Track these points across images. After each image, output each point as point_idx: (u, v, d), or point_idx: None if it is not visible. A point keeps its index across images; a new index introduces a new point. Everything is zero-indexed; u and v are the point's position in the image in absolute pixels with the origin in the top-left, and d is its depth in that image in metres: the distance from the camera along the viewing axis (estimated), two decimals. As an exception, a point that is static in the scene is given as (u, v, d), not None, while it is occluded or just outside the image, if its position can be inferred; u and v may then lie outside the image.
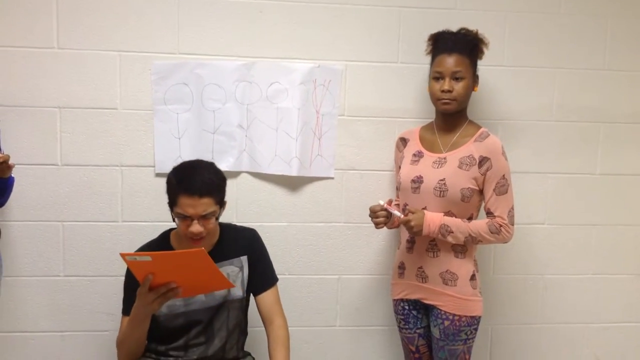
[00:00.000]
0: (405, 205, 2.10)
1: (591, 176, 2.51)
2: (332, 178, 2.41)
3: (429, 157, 2.09)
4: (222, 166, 2.06)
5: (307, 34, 2.33)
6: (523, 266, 2.53)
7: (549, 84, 2.45)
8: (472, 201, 2.03)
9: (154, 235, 2.07)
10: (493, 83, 2.40)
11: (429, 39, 2.13)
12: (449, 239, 2.00)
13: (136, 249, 2.00)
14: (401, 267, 2.16)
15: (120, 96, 2.27)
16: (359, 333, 2.50)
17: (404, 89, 2.39)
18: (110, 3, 2.23)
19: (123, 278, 2.00)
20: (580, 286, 2.57)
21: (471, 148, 2.03)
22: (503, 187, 2.01)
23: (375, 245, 2.46)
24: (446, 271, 2.04)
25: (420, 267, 2.09)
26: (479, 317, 2.07)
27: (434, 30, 2.12)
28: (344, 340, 2.50)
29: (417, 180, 2.06)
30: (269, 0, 2.30)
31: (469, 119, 2.13)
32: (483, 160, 2.01)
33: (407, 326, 2.18)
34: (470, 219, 2.05)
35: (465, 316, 2.03)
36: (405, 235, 2.15)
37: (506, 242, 2.06)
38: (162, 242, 2.01)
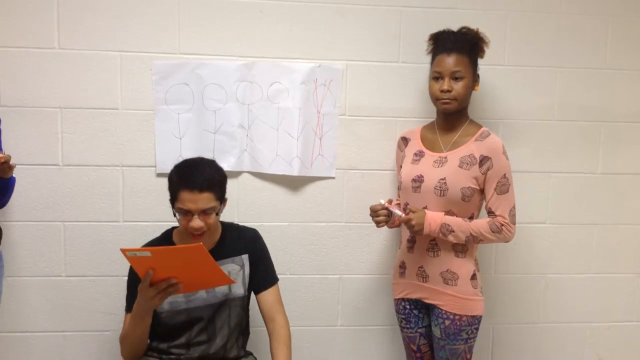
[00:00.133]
0: (406, 204, 2.10)
1: (592, 175, 2.51)
2: (333, 178, 2.41)
3: (430, 156, 2.09)
4: (223, 166, 2.06)
5: (308, 33, 2.33)
6: (524, 265, 2.53)
7: (550, 83, 2.44)
8: (472, 200, 2.03)
9: (155, 235, 2.09)
10: (494, 82, 2.40)
11: (429, 39, 2.13)
12: (450, 238, 2.00)
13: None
14: (402, 266, 2.16)
15: (121, 96, 2.27)
16: (360, 333, 2.50)
17: (404, 88, 2.38)
18: (111, 3, 2.24)
19: (124, 278, 2.03)
20: (582, 285, 2.56)
21: (472, 147, 2.03)
22: (504, 187, 2.01)
23: (377, 245, 2.46)
24: (447, 271, 2.04)
25: (421, 267, 2.09)
26: (480, 316, 2.07)
27: (435, 30, 2.12)
28: (346, 340, 2.50)
29: (418, 180, 2.06)
30: (270, 0, 2.30)
31: (470, 119, 2.13)
32: (484, 160, 2.00)
33: (408, 325, 2.18)
34: (471, 218, 2.05)
35: (466, 316, 2.03)
36: (406, 234, 2.15)
37: (507, 242, 2.06)
38: (164, 240, 2.03)
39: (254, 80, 2.31)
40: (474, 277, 2.05)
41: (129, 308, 1.94)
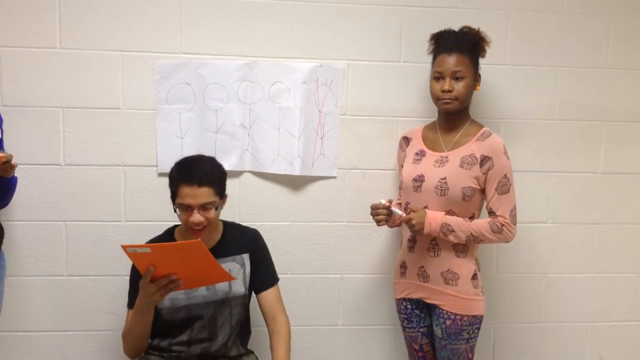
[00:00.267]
0: (407, 204, 2.10)
1: (594, 175, 2.51)
2: (335, 177, 2.41)
3: (431, 156, 2.09)
4: (225, 165, 2.07)
5: (310, 33, 2.33)
6: (526, 265, 2.53)
7: (551, 82, 2.44)
8: (473, 200, 2.03)
9: (157, 234, 2.10)
10: (495, 82, 2.40)
11: (430, 39, 2.13)
12: (451, 237, 2.00)
13: (140, 247, 2.01)
14: (403, 266, 2.16)
15: (123, 96, 2.27)
16: (361, 332, 2.50)
17: (406, 88, 2.38)
18: (113, 3, 2.24)
19: (126, 278, 2.05)
20: (583, 285, 2.56)
21: (473, 147, 2.03)
22: (505, 187, 2.01)
23: (378, 245, 2.46)
24: (447, 270, 2.04)
25: (422, 267, 2.09)
26: (481, 316, 2.07)
27: (437, 29, 2.12)
28: (347, 340, 2.50)
29: (419, 179, 2.06)
30: (271, 0, 2.30)
31: (471, 118, 2.13)
32: (485, 160, 2.00)
33: (410, 325, 2.18)
34: (472, 218, 2.05)
35: (467, 315, 2.03)
36: (406, 234, 2.15)
37: (508, 242, 2.06)
38: (166, 237, 2.06)
39: (255, 80, 2.31)
40: (474, 277, 2.05)
41: (131, 304, 1.97)
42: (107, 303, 2.34)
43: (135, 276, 1.92)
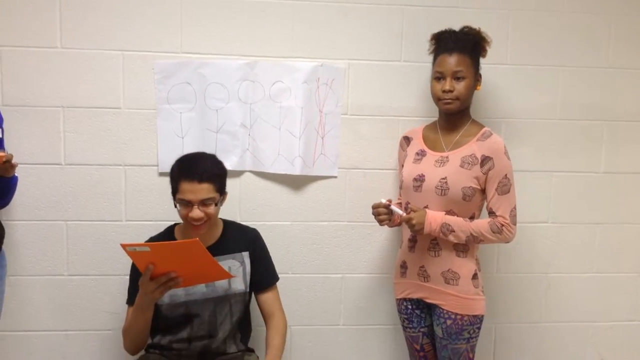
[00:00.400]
0: (407, 203, 2.10)
1: (595, 174, 2.51)
2: (336, 177, 2.41)
3: (432, 155, 2.09)
4: (226, 165, 2.08)
5: (310, 32, 2.33)
6: (527, 265, 2.52)
7: (552, 82, 2.44)
8: (473, 200, 2.02)
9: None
10: (496, 81, 2.40)
11: (431, 39, 2.13)
12: (451, 237, 2.00)
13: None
14: (403, 266, 2.16)
15: (124, 95, 2.27)
16: (362, 332, 2.50)
17: (407, 87, 2.38)
18: (113, 3, 2.24)
19: (127, 277, 2.07)
20: (584, 285, 2.56)
21: (473, 147, 2.03)
22: (505, 187, 2.00)
23: (379, 244, 2.46)
24: (448, 270, 2.04)
25: (422, 266, 2.08)
26: (482, 316, 2.07)
27: (438, 29, 2.11)
28: (348, 339, 2.50)
29: (419, 179, 2.06)
30: (272, -1, 2.31)
31: (472, 118, 2.13)
32: (485, 160, 2.00)
33: (410, 325, 2.18)
34: (472, 218, 2.05)
35: (468, 315, 2.03)
36: (407, 234, 2.15)
37: (508, 242, 2.06)
38: (166, 235, 2.09)
39: (256, 80, 2.31)
40: (475, 276, 2.05)
41: (130, 300, 2.00)
42: (108, 302, 2.34)
43: (135, 273, 1.94)
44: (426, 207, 2.03)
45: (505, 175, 2.01)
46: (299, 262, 2.43)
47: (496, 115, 2.42)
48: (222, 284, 2.02)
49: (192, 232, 1.96)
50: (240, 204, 2.36)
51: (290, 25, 2.32)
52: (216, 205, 1.97)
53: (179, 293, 1.98)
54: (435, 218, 1.99)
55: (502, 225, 2.00)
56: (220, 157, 2.14)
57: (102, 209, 2.31)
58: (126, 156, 2.30)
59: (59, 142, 2.26)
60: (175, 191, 1.95)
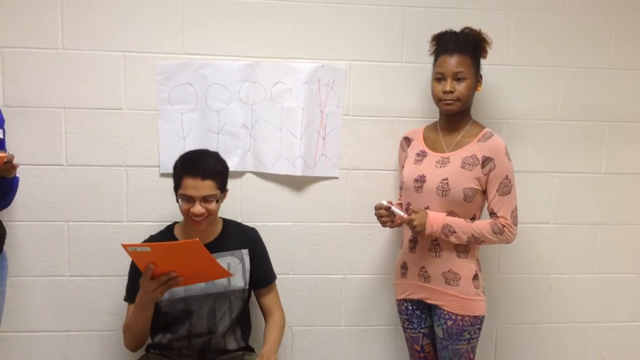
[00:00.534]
0: (408, 204, 2.10)
1: (596, 175, 2.51)
2: (337, 178, 2.41)
3: (432, 156, 2.09)
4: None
5: (311, 33, 2.33)
6: (528, 266, 2.52)
7: (553, 83, 2.44)
8: (474, 201, 2.02)
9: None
10: (497, 82, 2.40)
11: (432, 40, 2.13)
12: (452, 239, 2.00)
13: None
14: (404, 267, 2.16)
15: (125, 96, 2.28)
16: (363, 333, 2.50)
17: (408, 88, 2.38)
18: (115, 4, 2.24)
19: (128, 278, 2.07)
20: (586, 285, 2.56)
21: (474, 148, 2.03)
22: (506, 188, 2.00)
23: (380, 245, 2.46)
24: (448, 271, 2.04)
25: (423, 267, 2.08)
26: (482, 316, 2.07)
27: (439, 30, 2.11)
28: (349, 340, 2.50)
29: (420, 180, 2.06)
30: (273, 0, 2.30)
31: (473, 119, 2.13)
32: (486, 161, 2.00)
33: (411, 326, 2.18)
34: (473, 219, 2.05)
35: (468, 316, 2.03)
36: (407, 234, 2.15)
37: (509, 243, 2.06)
38: (166, 234, 2.12)
39: (257, 80, 2.31)
40: (475, 277, 2.05)
41: (128, 298, 2.05)
42: (109, 303, 2.34)
43: (134, 271, 1.97)
44: (427, 208, 2.03)
45: (506, 176, 2.01)
46: (300, 263, 2.43)
47: (497, 116, 2.42)
48: (221, 280, 2.04)
49: (192, 227, 2.00)
50: (241, 205, 2.36)
51: (291, 26, 2.32)
52: (217, 202, 2.01)
53: (178, 289, 2.00)
54: (436, 219, 1.99)
55: (504, 226, 2.00)
56: (221, 157, 2.16)
57: (104, 210, 2.31)
58: (127, 157, 2.30)
59: (60, 143, 2.27)
60: (177, 187, 1.99)
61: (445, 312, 2.05)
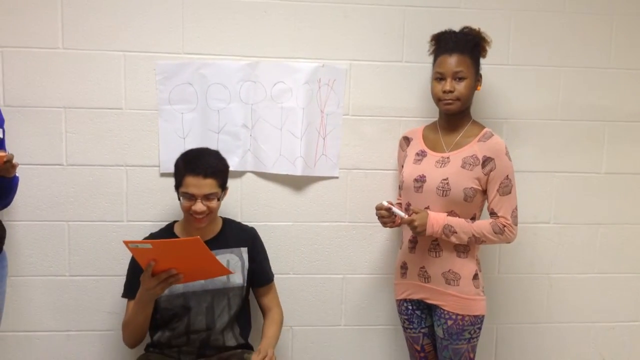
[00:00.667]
0: (408, 204, 2.10)
1: (597, 175, 2.50)
2: (337, 177, 2.41)
3: (432, 156, 2.09)
4: (227, 165, 2.10)
5: (312, 33, 2.33)
6: (528, 265, 2.52)
7: (554, 82, 2.44)
8: (475, 201, 2.02)
9: (158, 232, 2.14)
10: (498, 82, 2.40)
11: (431, 39, 2.13)
12: (453, 239, 2.00)
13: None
14: (403, 267, 2.16)
15: (125, 96, 2.27)
16: (364, 332, 2.50)
17: (408, 88, 2.38)
18: (115, 3, 2.24)
19: None
20: (586, 285, 2.56)
21: (475, 148, 2.03)
22: (507, 188, 2.00)
23: (381, 245, 2.46)
24: (449, 271, 2.04)
25: (423, 267, 2.08)
26: (483, 316, 2.07)
27: (439, 29, 2.11)
28: (349, 340, 2.50)
29: (420, 180, 2.06)
30: (274, 0, 2.30)
31: (473, 119, 2.13)
32: (487, 161, 2.00)
33: (411, 326, 2.18)
34: (473, 219, 2.05)
35: (469, 315, 2.03)
36: (407, 235, 2.15)
37: (509, 242, 2.07)
38: (166, 232, 2.14)
39: (257, 80, 2.31)
40: (475, 277, 2.05)
41: (127, 294, 2.09)
42: (109, 303, 2.34)
43: (134, 268, 1.99)
44: (427, 208, 2.03)
45: (507, 176, 2.01)
46: (300, 263, 2.43)
47: (498, 116, 2.41)
48: (220, 277, 2.05)
49: (193, 225, 2.03)
50: (241, 205, 2.36)
51: (291, 26, 2.32)
52: (218, 199, 2.03)
53: (177, 286, 2.00)
54: (437, 220, 1.98)
55: (504, 225, 2.00)
56: (221, 157, 2.16)
57: (104, 210, 2.31)
58: (128, 157, 2.30)
59: (60, 143, 2.26)
60: (179, 185, 2.02)
61: (446, 312, 2.04)
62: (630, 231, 2.55)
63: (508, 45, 2.40)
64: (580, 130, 2.47)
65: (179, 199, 2.03)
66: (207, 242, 1.84)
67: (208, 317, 2.06)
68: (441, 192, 2.01)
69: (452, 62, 2.02)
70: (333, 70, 2.34)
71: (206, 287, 2.05)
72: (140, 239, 2.16)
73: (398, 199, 2.27)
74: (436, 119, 2.20)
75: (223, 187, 2.06)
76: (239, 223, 2.24)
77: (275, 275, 2.25)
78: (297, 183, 2.39)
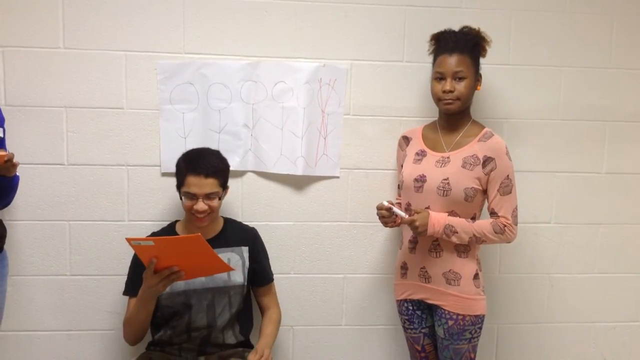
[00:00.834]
0: (408, 204, 2.10)
1: (597, 175, 2.50)
2: (338, 177, 2.41)
3: (432, 156, 2.09)
4: (228, 165, 2.10)
5: (313, 33, 2.33)
6: (529, 265, 2.52)
7: (554, 82, 2.44)
8: (475, 201, 2.02)
9: (159, 231, 2.14)
10: (498, 82, 2.40)
11: (431, 39, 2.13)
12: (454, 239, 2.00)
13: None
14: (404, 267, 2.16)
15: (126, 96, 2.28)
16: (364, 332, 2.50)
17: (409, 87, 2.38)
18: (116, 3, 2.24)
19: None
20: (587, 285, 2.56)
21: (475, 148, 2.03)
22: (507, 187, 2.00)
23: (381, 244, 2.46)
24: (449, 271, 2.04)
25: (423, 267, 2.08)
26: (483, 316, 2.07)
27: (440, 29, 2.11)
28: (350, 340, 2.50)
29: (420, 179, 2.06)
30: (274, 0, 2.30)
31: (473, 119, 2.13)
32: (487, 161, 2.00)
33: (412, 326, 2.18)
34: (473, 218, 2.05)
35: (469, 315, 2.03)
36: (407, 235, 2.15)
37: (510, 242, 2.07)
38: (168, 231, 2.16)
39: (258, 80, 2.31)
40: (476, 276, 2.05)
41: (128, 291, 2.11)
42: (110, 302, 2.34)
43: (136, 266, 2.01)
44: (427, 207, 2.03)
45: (507, 175, 2.01)
46: (301, 262, 2.43)
47: (498, 116, 2.42)
48: (221, 275, 2.07)
49: (194, 224, 2.04)
50: (242, 204, 2.36)
51: (292, 26, 2.32)
52: (219, 199, 2.05)
53: (178, 283, 2.01)
54: (438, 220, 1.98)
55: (505, 225, 2.00)
56: (222, 157, 2.16)
57: (105, 209, 2.31)
58: (129, 156, 2.30)
59: (61, 142, 2.27)
60: (180, 184, 2.04)
61: (446, 312, 2.04)
62: (631, 231, 2.55)
63: (508, 45, 2.40)
64: (580, 130, 2.47)
65: (181, 199, 2.04)
66: (208, 241, 1.85)
67: (209, 315, 2.07)
68: (442, 192, 2.01)
69: (452, 61, 2.02)
70: (334, 70, 2.34)
71: (207, 285, 2.06)
72: (141, 238, 2.16)
73: (397, 199, 2.27)
74: (436, 118, 2.20)
75: (224, 187, 2.08)
76: (240, 223, 2.25)
77: (276, 275, 2.26)
78: (298, 183, 2.39)
